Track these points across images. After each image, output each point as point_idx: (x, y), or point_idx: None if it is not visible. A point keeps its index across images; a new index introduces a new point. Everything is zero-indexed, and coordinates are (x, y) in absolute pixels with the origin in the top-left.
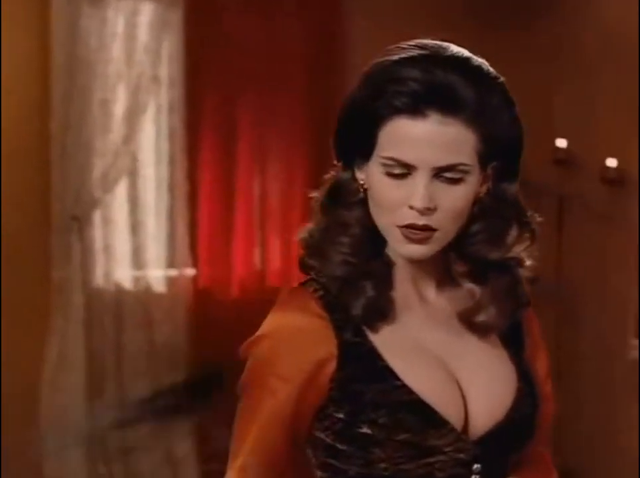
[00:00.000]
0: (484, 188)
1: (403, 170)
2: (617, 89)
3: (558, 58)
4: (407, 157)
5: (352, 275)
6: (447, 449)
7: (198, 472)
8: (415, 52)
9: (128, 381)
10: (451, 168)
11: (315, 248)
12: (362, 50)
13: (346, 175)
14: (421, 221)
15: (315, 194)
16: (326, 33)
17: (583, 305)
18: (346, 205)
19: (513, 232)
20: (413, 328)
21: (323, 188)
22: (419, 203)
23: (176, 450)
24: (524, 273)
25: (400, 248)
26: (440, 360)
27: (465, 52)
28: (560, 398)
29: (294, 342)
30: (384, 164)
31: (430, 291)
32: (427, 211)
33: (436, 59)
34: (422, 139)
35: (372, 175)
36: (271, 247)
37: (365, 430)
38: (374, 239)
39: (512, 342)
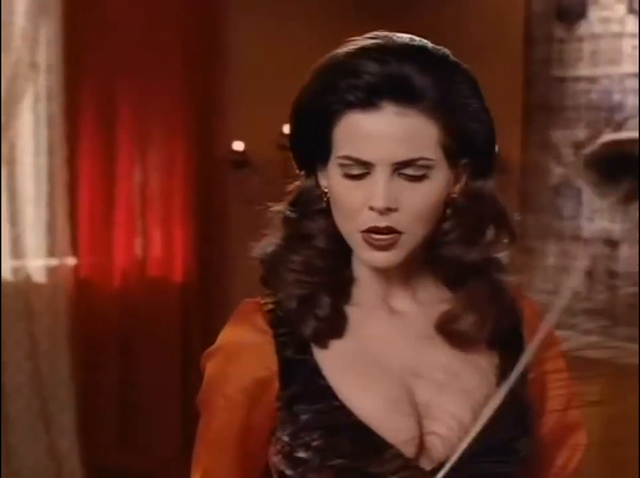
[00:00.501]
0: (457, 188)
1: (361, 170)
2: (499, 78)
3: (439, 45)
4: (363, 153)
5: (306, 293)
6: None
7: (82, 466)
8: (367, 42)
9: (8, 372)
10: (411, 163)
11: (270, 265)
12: (243, 35)
13: (309, 183)
14: (382, 223)
15: (276, 207)
16: (206, 18)
17: None
18: (309, 215)
19: (490, 233)
20: (371, 344)
21: (286, 200)
22: (379, 202)
23: (60, 444)
24: (506, 277)
25: (364, 256)
26: (398, 377)
27: (423, 41)
28: None
29: (236, 359)
30: (341, 165)
31: (403, 302)
32: (389, 211)
33: (389, 48)
34: (377, 133)
35: (331, 178)
36: (152, 236)
37: (301, 454)
38: (340, 250)
39: (508, 358)
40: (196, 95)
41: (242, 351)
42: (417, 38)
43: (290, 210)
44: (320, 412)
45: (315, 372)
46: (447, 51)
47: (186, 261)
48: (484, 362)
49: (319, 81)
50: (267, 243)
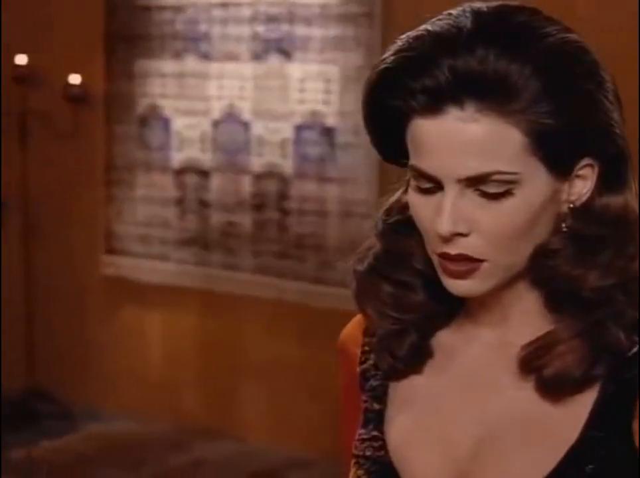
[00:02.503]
0: (573, 198)
1: (430, 184)
2: (80, 6)
3: None
4: (426, 165)
5: (388, 330)
6: None
7: None
8: (435, 26)
9: None
10: (482, 178)
11: (359, 286)
12: None
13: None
14: (453, 250)
15: (377, 215)
16: None
17: (53, 223)
18: (406, 226)
19: (615, 257)
20: (444, 380)
21: (383, 207)
22: (441, 227)
23: None
24: (627, 310)
25: (443, 281)
26: (452, 421)
27: (500, 18)
28: (33, 316)
29: (341, 357)
30: (413, 176)
31: (502, 334)
32: (456, 237)
33: (459, 31)
34: (438, 142)
35: (410, 188)
36: None
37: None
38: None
39: (608, 414)
40: None
41: (342, 353)
42: (489, 13)
43: (385, 220)
44: (362, 437)
45: (377, 393)
46: (547, 28)
47: None
48: (564, 420)
49: (383, 78)
50: (363, 259)
